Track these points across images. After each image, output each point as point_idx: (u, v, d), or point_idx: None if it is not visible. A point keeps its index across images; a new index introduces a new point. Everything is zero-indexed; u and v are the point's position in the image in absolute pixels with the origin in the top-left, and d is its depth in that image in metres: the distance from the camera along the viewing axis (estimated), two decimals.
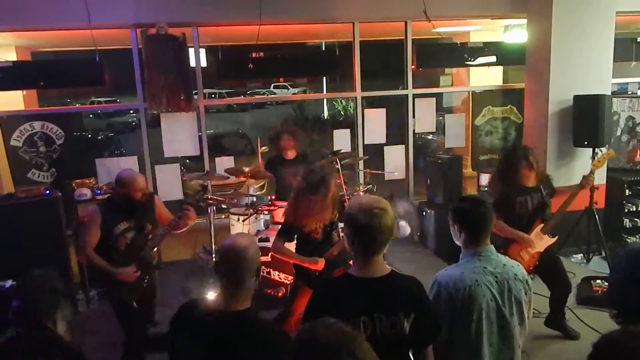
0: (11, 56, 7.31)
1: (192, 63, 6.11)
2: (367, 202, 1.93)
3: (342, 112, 22.64)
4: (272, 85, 30.39)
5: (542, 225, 3.89)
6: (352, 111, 20.12)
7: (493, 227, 3.63)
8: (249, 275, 1.91)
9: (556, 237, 3.94)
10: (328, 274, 3.22)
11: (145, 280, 3.56)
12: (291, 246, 3.55)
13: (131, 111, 22.12)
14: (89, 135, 13.05)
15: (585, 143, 5.59)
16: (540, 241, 3.88)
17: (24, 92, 7.37)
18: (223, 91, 26.51)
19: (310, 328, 1.38)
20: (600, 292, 4.56)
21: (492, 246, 2.33)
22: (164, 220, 3.67)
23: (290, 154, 5.28)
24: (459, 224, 2.32)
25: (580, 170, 5.82)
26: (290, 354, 1.36)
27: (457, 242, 2.37)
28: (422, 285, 2.01)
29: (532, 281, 2.43)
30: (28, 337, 2.04)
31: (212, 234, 5.27)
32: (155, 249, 3.73)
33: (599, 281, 4.77)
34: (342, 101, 22.61)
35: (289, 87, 30.46)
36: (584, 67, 5.80)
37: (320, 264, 3.29)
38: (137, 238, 3.51)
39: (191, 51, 6.06)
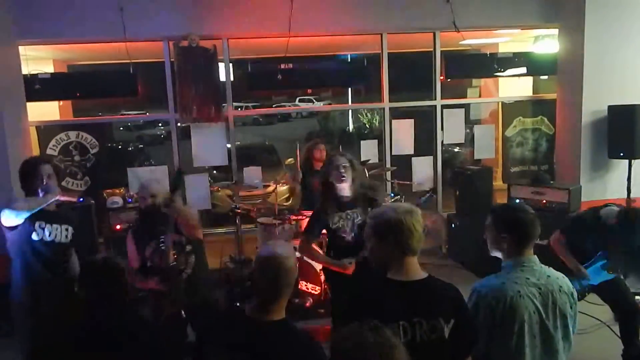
0: (48, 69, 7.54)
1: (222, 76, 6.20)
2: (393, 204, 2.03)
3: (367, 125, 22.64)
4: (298, 98, 30.64)
5: (604, 261, 3.59)
6: (377, 124, 20.12)
7: (555, 249, 3.56)
8: (287, 286, 1.86)
9: (614, 276, 3.60)
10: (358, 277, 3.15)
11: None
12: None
13: (160, 124, 22.66)
14: (120, 147, 13.38)
15: (621, 154, 5.47)
16: (598, 276, 3.58)
17: (60, 103, 7.61)
18: (249, 104, 26.84)
19: (351, 330, 1.38)
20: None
21: (536, 256, 2.20)
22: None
23: (319, 165, 5.34)
24: (506, 232, 2.17)
25: (616, 182, 5.69)
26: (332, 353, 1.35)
27: (495, 252, 2.25)
28: (460, 292, 1.95)
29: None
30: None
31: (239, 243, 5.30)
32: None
33: (637, 297, 4.59)
34: (368, 113, 22.60)
35: (314, 100, 30.64)
36: (618, 77, 5.69)
37: (350, 269, 3.19)
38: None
39: (220, 64, 6.16)
